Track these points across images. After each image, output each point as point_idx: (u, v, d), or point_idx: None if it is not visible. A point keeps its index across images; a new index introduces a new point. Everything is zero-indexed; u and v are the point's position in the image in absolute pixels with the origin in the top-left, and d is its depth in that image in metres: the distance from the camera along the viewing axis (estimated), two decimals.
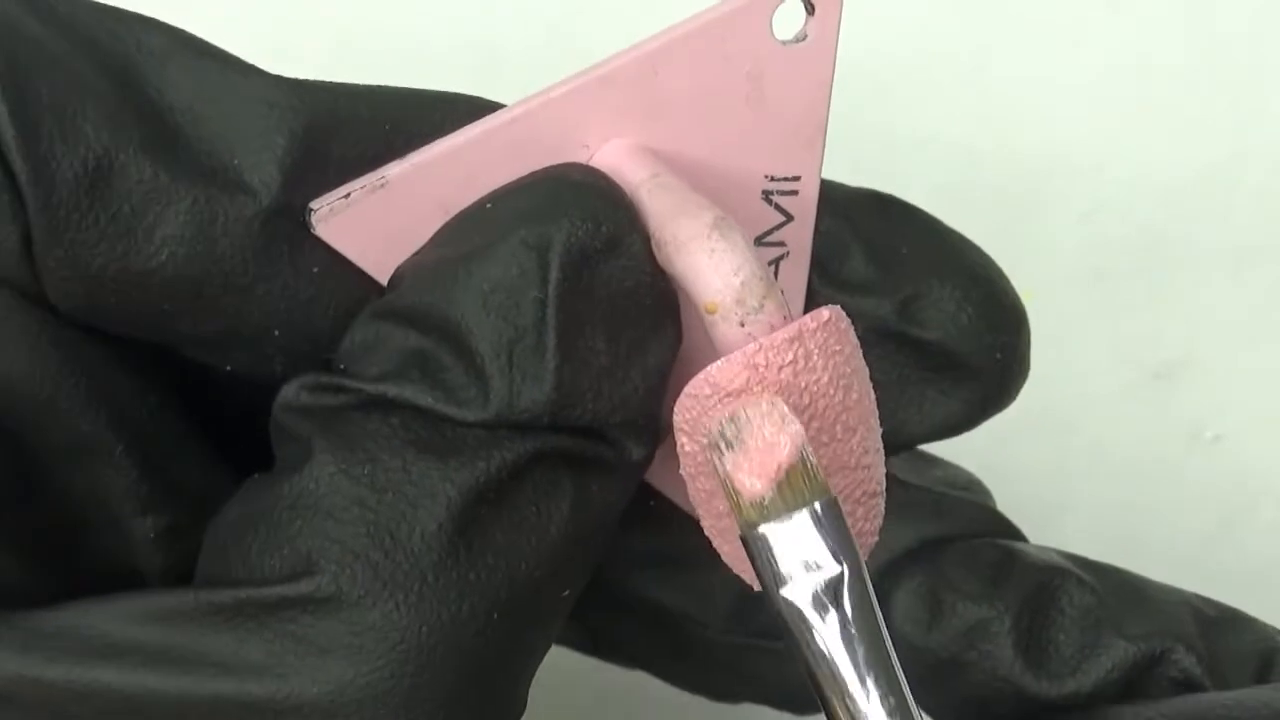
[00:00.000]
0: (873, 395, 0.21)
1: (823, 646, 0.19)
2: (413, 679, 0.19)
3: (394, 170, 0.20)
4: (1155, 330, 0.40)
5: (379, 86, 0.21)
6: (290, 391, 0.20)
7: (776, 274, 0.23)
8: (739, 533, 0.19)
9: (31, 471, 0.21)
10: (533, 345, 0.19)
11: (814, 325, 0.19)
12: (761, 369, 0.19)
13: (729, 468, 0.19)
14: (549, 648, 0.22)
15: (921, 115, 0.38)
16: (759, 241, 0.23)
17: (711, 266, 0.20)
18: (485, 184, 0.21)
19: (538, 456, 0.20)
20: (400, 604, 0.19)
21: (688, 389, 0.20)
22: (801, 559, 0.19)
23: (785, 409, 0.20)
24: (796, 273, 0.23)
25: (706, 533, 0.21)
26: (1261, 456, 0.40)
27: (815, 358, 0.20)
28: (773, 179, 0.22)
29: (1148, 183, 0.39)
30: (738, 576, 0.21)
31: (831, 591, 0.19)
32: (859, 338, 0.22)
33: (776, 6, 0.21)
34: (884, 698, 0.19)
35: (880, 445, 0.21)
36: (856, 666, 0.19)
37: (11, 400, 0.20)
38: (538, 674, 0.23)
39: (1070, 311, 0.39)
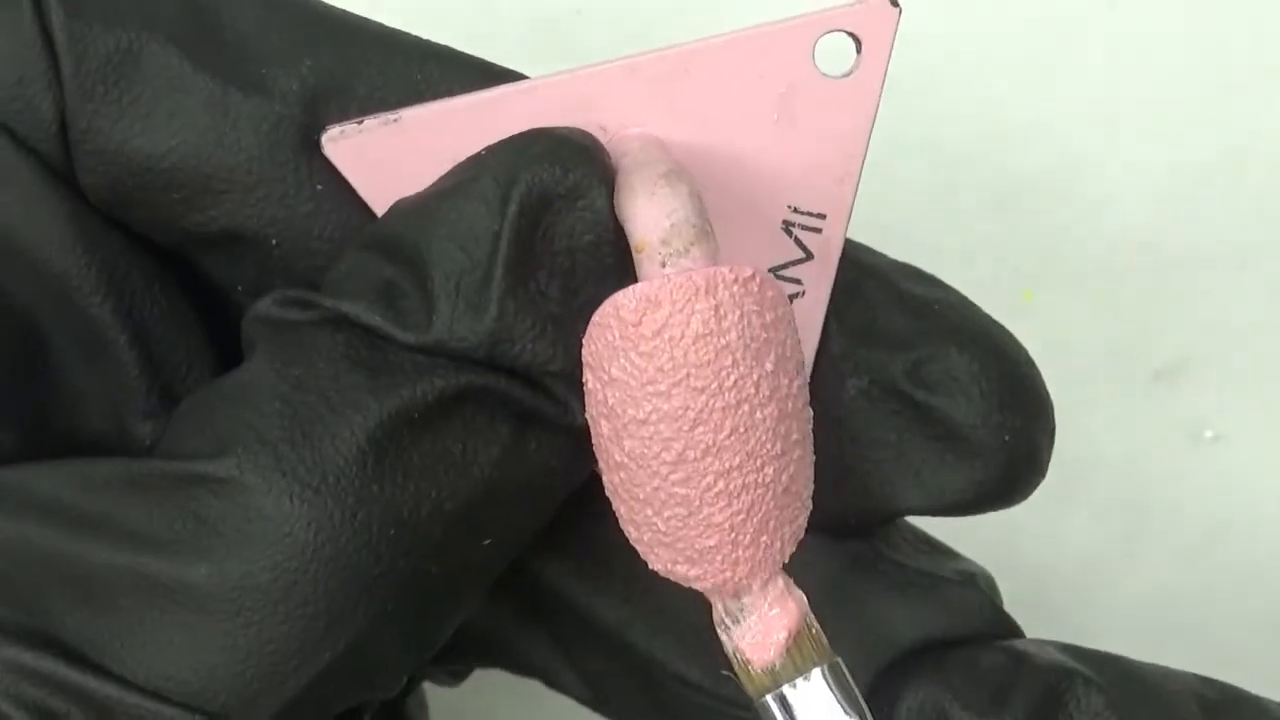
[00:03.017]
0: (800, 383, 0.20)
1: None
2: (295, 575, 0.19)
3: (410, 111, 0.21)
4: (1155, 330, 0.39)
5: (428, 42, 0.22)
6: (262, 304, 0.21)
7: None
8: (751, 699, 0.20)
9: (40, 351, 0.22)
10: (481, 277, 0.20)
11: (731, 277, 0.19)
12: (666, 306, 0.19)
13: (736, 640, 0.20)
14: (471, 602, 0.22)
15: (921, 115, 0.38)
16: (774, 274, 0.23)
17: (648, 207, 0.20)
18: None
19: (471, 391, 0.20)
20: (295, 497, 0.19)
21: (594, 317, 0.20)
22: (817, 716, 0.20)
23: (785, 579, 0.20)
24: (811, 315, 0.23)
25: (608, 491, 0.21)
26: (1261, 456, 0.40)
27: (727, 312, 0.19)
28: (796, 210, 0.22)
29: (1147, 182, 0.39)
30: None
31: None
32: (863, 388, 0.23)
33: (821, 34, 0.21)
34: None
35: (805, 441, 0.21)
36: None
37: (26, 271, 0.21)
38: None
39: (1071, 312, 0.39)
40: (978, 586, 0.25)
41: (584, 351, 0.20)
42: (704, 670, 0.24)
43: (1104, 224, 0.39)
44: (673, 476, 0.20)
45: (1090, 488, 0.39)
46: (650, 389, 0.19)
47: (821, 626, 0.21)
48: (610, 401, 0.20)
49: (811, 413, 0.21)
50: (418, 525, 0.20)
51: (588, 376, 0.20)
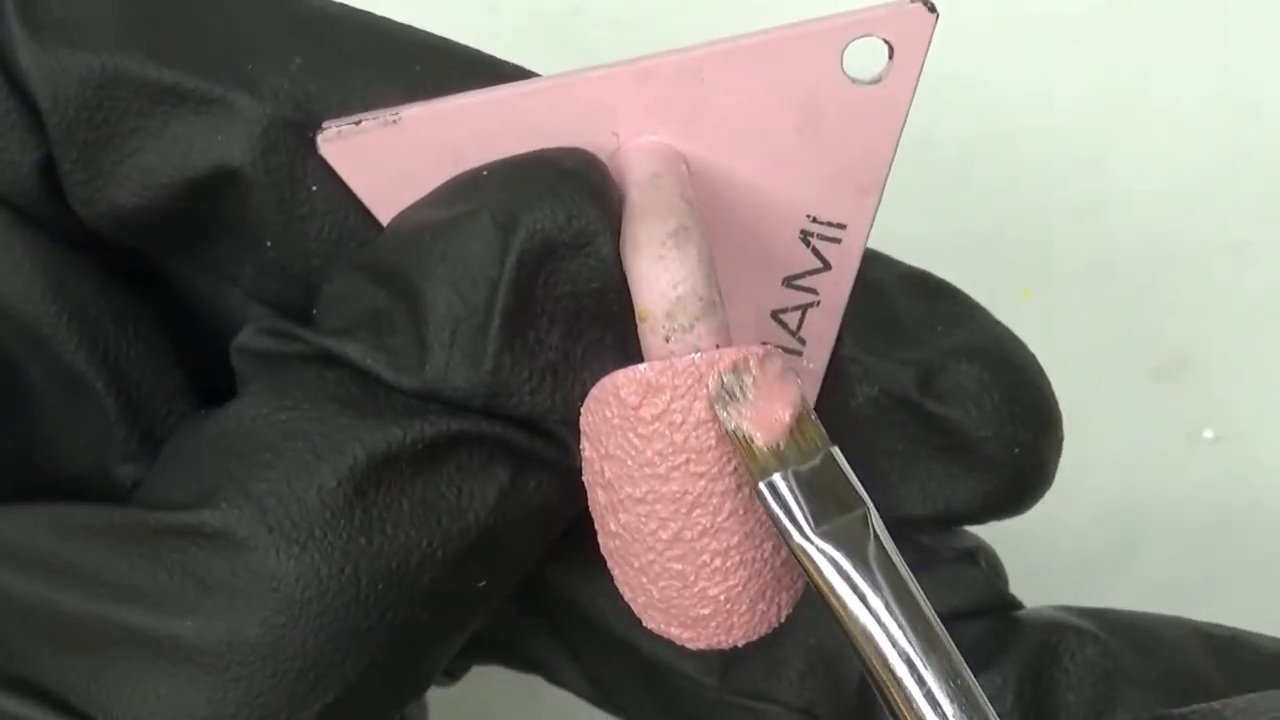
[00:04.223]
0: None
1: (861, 583, 0.19)
2: (283, 630, 0.19)
3: (410, 110, 0.20)
4: (1155, 330, 0.39)
5: (424, 33, 0.21)
6: (246, 334, 0.21)
7: (802, 323, 0.22)
8: (754, 482, 0.19)
9: (20, 391, 0.21)
10: (478, 325, 0.19)
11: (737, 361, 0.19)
12: (668, 393, 0.19)
13: (739, 419, 0.19)
14: (462, 638, 0.22)
15: (921, 114, 0.38)
16: (788, 283, 0.22)
17: (654, 274, 0.19)
18: (502, 148, 0.20)
19: (465, 438, 0.20)
20: (281, 552, 0.19)
21: (593, 390, 0.19)
22: (823, 502, 0.19)
23: (783, 359, 0.19)
24: (825, 325, 0.22)
25: (603, 551, 0.20)
26: (1261, 456, 0.40)
27: None
28: (815, 220, 0.21)
29: (1148, 181, 0.39)
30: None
31: (861, 526, 0.19)
32: (872, 396, 0.22)
33: (851, 40, 0.20)
34: (913, 622, 0.19)
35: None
36: (894, 594, 0.19)
37: (2, 315, 0.21)
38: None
39: (1070, 311, 0.39)
40: (977, 563, 0.24)
41: (582, 421, 0.19)
42: (707, 665, 0.24)
43: (1104, 223, 0.39)
44: (668, 553, 0.19)
45: (1090, 488, 0.39)
46: (648, 470, 0.19)
47: (817, 615, 0.20)
48: (607, 475, 0.19)
49: None
50: (407, 575, 0.19)
51: (585, 445, 0.20)
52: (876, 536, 0.19)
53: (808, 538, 0.19)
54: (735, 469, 0.19)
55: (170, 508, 0.19)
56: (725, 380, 0.19)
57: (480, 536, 0.20)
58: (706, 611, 0.20)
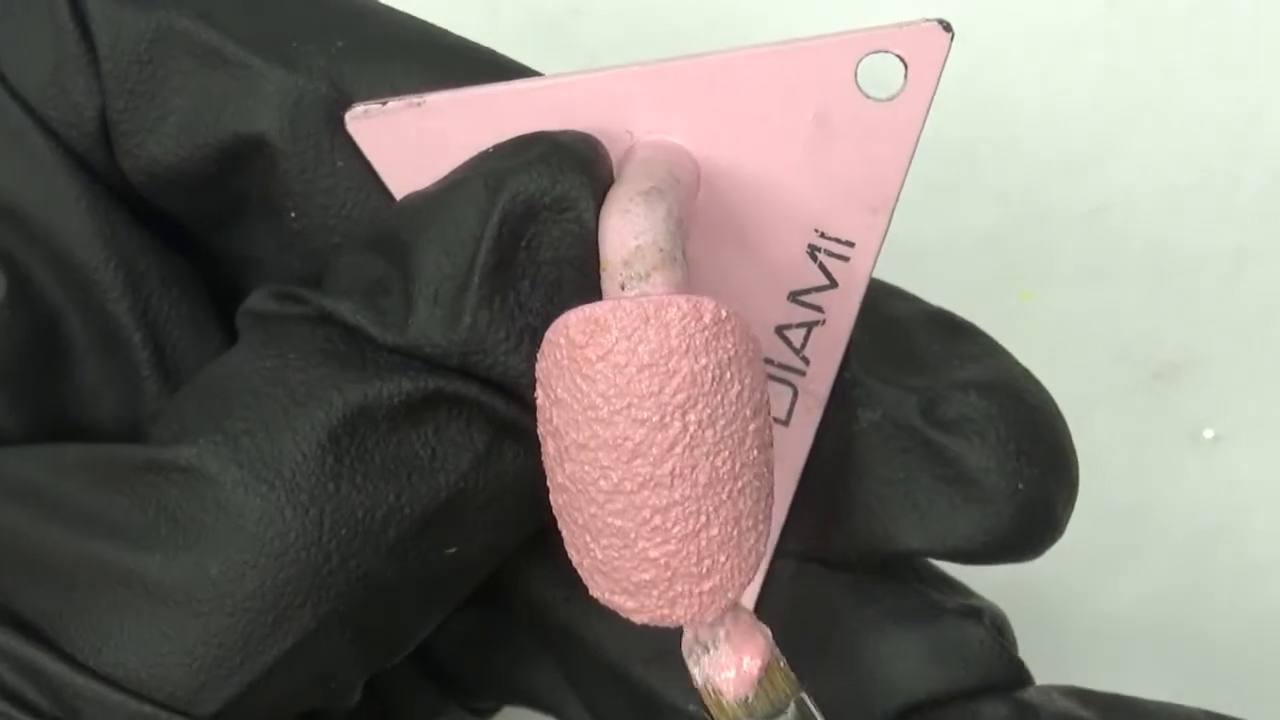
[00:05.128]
0: (759, 426, 0.19)
1: None
2: (242, 568, 0.19)
3: (434, 96, 0.21)
4: (1155, 330, 0.39)
5: (465, 39, 0.22)
6: (252, 299, 0.21)
7: (806, 341, 0.22)
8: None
9: (61, 340, 0.22)
10: (459, 284, 0.20)
11: (687, 308, 0.18)
12: (614, 332, 0.18)
13: (709, 671, 0.19)
14: (437, 612, 0.22)
15: None
16: (794, 298, 0.22)
17: (619, 226, 0.19)
18: None
19: (443, 397, 0.20)
20: (249, 490, 0.19)
21: (547, 333, 0.19)
22: None
23: (749, 613, 0.20)
24: (830, 347, 0.22)
25: (554, 510, 0.20)
26: (1261, 456, 0.40)
27: (678, 345, 0.18)
28: (823, 235, 0.21)
29: (1148, 183, 0.39)
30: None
31: None
32: (875, 421, 0.22)
33: (866, 54, 0.20)
34: None
35: (760, 488, 0.19)
36: None
37: (52, 260, 0.21)
38: None
39: (1071, 313, 0.39)
40: (982, 624, 0.24)
41: (537, 366, 0.19)
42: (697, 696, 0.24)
43: (1104, 224, 0.39)
44: (609, 506, 0.19)
45: (1090, 488, 0.39)
46: (591, 414, 0.19)
47: (818, 663, 0.20)
48: (555, 421, 0.19)
49: (773, 457, 0.20)
50: (372, 527, 0.19)
51: (539, 392, 0.19)
52: None
53: None
54: (681, 420, 0.18)
55: (152, 445, 0.20)
56: (699, 633, 0.19)
57: (451, 499, 0.20)
58: (647, 577, 0.19)
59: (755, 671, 0.19)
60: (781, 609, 0.23)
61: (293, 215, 0.21)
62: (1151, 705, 0.23)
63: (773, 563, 0.24)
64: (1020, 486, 0.22)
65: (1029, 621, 0.25)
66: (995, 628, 0.24)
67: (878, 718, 0.23)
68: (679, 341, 0.18)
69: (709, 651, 0.19)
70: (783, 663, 0.20)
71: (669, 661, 0.23)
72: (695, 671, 0.19)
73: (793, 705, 0.19)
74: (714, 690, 0.19)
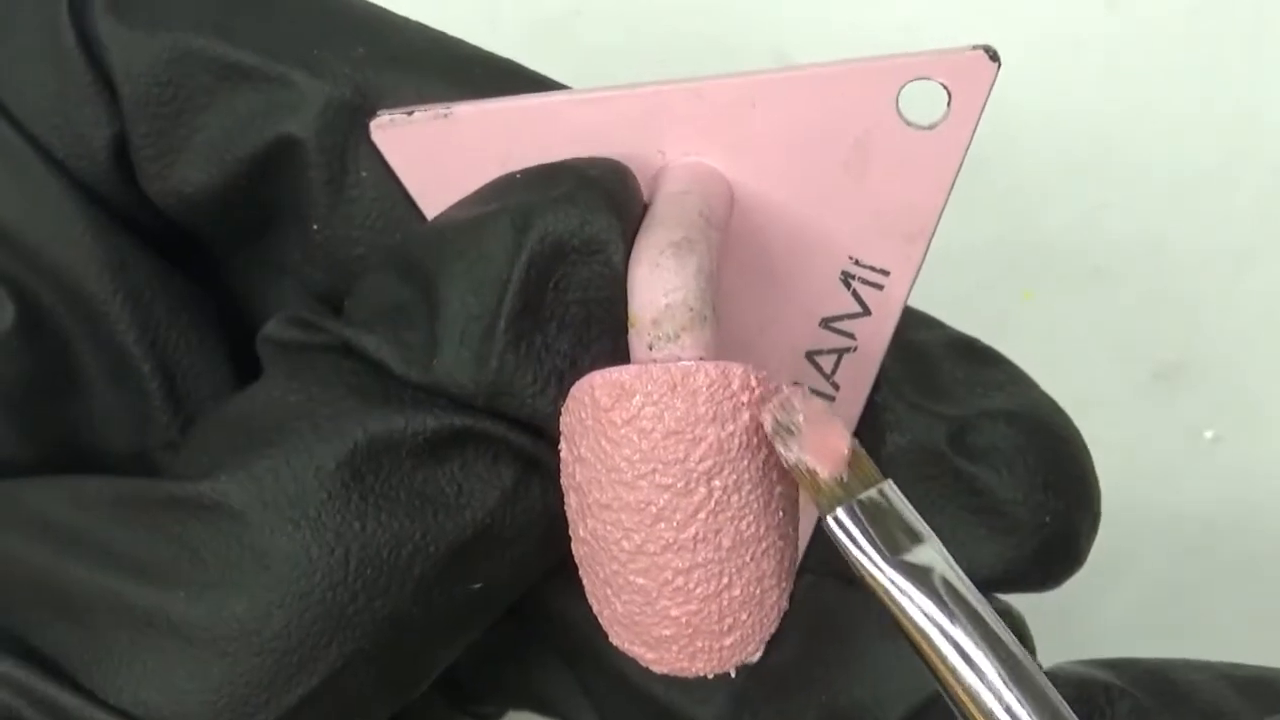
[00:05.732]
0: (784, 490, 0.19)
1: (934, 609, 0.18)
2: (269, 608, 0.19)
3: (462, 107, 0.20)
4: (1155, 330, 0.39)
5: (484, 50, 0.22)
6: (272, 324, 0.21)
7: (837, 368, 0.22)
8: (821, 514, 0.19)
9: (72, 368, 0.22)
10: (486, 325, 0.19)
11: (715, 374, 0.18)
12: (639, 397, 0.18)
13: (799, 452, 0.18)
14: (461, 643, 0.21)
15: None
16: (825, 324, 0.21)
17: (648, 280, 0.19)
18: (547, 153, 0.20)
19: (469, 435, 0.20)
20: (274, 529, 0.19)
21: (572, 389, 0.19)
22: (891, 531, 0.18)
23: (822, 401, 0.19)
24: (861, 374, 0.22)
25: (576, 558, 0.20)
26: (1261, 456, 0.40)
27: (705, 412, 0.18)
28: (857, 263, 0.21)
29: (1148, 183, 0.39)
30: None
31: (933, 556, 0.19)
32: (902, 446, 0.21)
33: (909, 80, 0.19)
34: (994, 647, 0.18)
35: (783, 550, 0.19)
36: (972, 622, 0.18)
37: (62, 290, 0.21)
38: None
39: (1071, 313, 0.39)
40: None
41: (561, 420, 0.19)
42: (717, 714, 0.23)
43: (1104, 224, 0.39)
44: (631, 565, 0.19)
45: None
46: (615, 476, 0.18)
47: (836, 672, 0.20)
48: (578, 478, 0.19)
49: (798, 516, 0.20)
50: (398, 565, 0.19)
51: (563, 446, 0.19)
52: (949, 565, 0.19)
53: (881, 568, 0.18)
54: (705, 486, 0.18)
55: (176, 479, 0.20)
56: (778, 416, 0.19)
57: (477, 536, 0.20)
58: (668, 633, 0.19)
59: (845, 451, 0.19)
60: (800, 619, 0.23)
61: (316, 227, 0.21)
62: (1166, 661, 0.23)
63: None
64: (1046, 519, 0.22)
65: (1029, 622, 0.25)
66: (1016, 630, 0.24)
67: (911, 700, 0.22)
68: (706, 409, 0.18)
69: (794, 433, 0.18)
70: (861, 450, 0.19)
71: (690, 682, 0.23)
72: (785, 454, 0.19)
73: (886, 485, 0.19)
74: (808, 470, 0.19)
